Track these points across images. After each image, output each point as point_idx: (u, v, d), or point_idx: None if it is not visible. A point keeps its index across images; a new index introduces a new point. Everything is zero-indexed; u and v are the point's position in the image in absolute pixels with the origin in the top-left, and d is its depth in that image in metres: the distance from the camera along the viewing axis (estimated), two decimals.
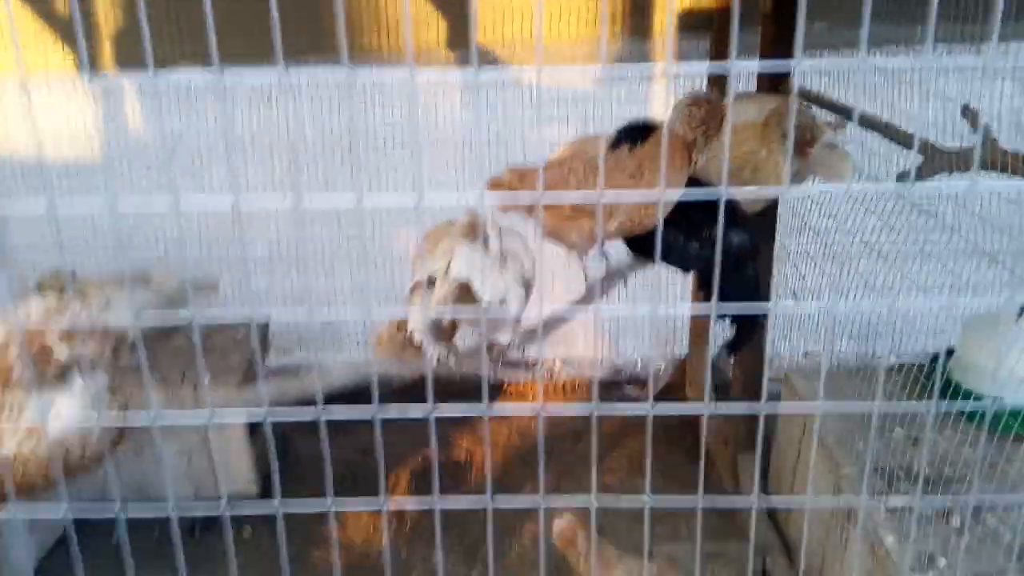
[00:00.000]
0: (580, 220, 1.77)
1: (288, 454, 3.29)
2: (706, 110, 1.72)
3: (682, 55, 3.24)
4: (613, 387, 3.66)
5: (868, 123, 2.18)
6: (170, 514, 1.10)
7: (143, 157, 3.36)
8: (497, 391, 3.60)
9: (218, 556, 2.77)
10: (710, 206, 1.94)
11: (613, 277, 1.89)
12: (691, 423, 3.25)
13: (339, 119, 3.34)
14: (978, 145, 1.89)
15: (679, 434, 3.29)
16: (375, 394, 1.08)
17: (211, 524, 2.88)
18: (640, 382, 3.63)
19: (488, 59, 3.27)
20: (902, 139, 2.01)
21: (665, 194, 1.72)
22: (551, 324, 1.81)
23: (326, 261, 3.51)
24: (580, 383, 3.66)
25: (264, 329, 3.25)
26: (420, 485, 3.10)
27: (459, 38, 3.28)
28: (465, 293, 1.56)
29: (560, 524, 1.75)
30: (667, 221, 1.84)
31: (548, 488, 3.07)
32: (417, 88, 3.29)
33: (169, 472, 2.93)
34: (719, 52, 2.80)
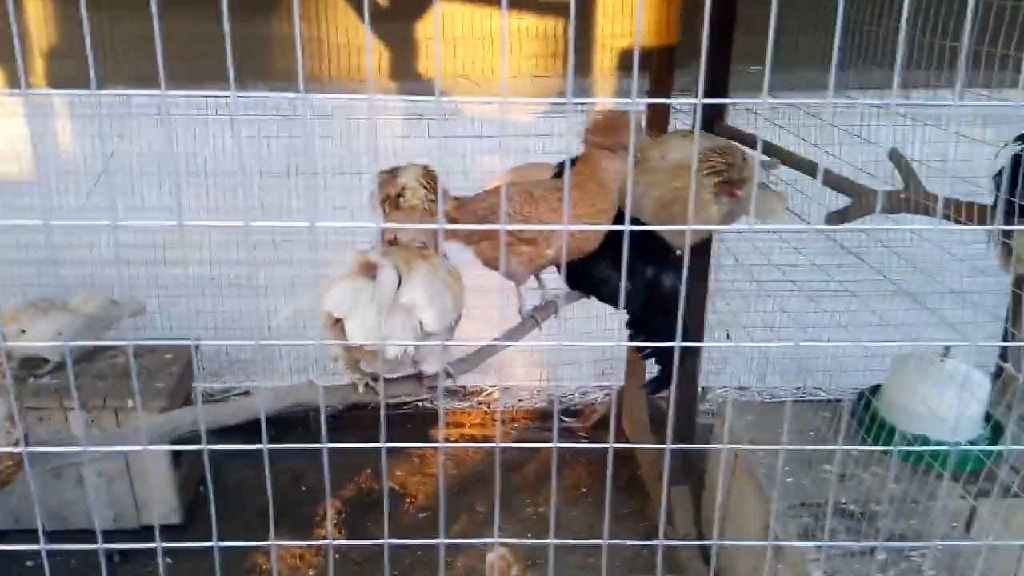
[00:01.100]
0: (518, 247, 1.77)
1: (214, 481, 3.20)
2: (607, 117, 1.75)
3: (621, 92, 3.30)
4: (548, 417, 3.66)
5: (799, 164, 2.24)
6: (98, 547, 1.05)
7: (75, 177, 3.27)
8: (430, 419, 3.57)
9: None
10: (642, 242, 1.97)
11: (548, 307, 1.89)
12: (627, 456, 3.26)
13: (278, 144, 3.30)
14: (904, 188, 1.95)
15: (615, 467, 3.30)
16: (321, 425, 1.05)
17: (130, 553, 2.78)
18: (576, 413, 3.63)
19: (430, 89, 3.28)
20: (832, 181, 2.07)
21: (595, 222, 1.74)
22: (485, 353, 1.80)
23: (260, 285, 3.45)
24: (516, 413, 3.65)
25: (189, 351, 3.16)
26: (352, 514, 3.04)
27: (402, 67, 3.29)
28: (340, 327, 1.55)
29: (492, 557, 1.72)
30: (599, 255, 1.85)
31: (481, 520, 3.04)
32: (357, 115, 3.27)
33: (92, 497, 2.82)
34: (657, 90, 2.85)
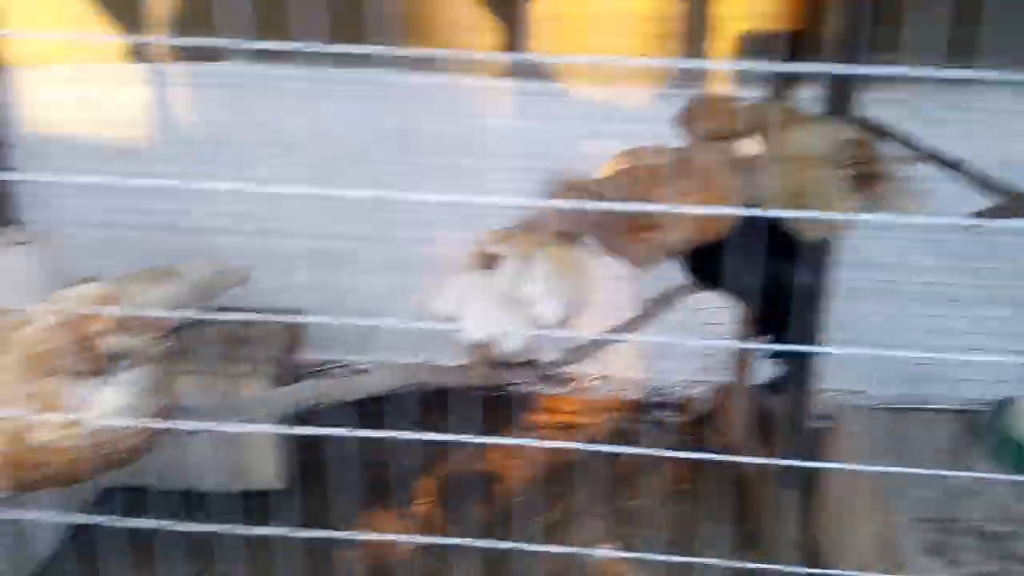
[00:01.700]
0: (640, 233, 1.71)
1: (315, 451, 3.25)
2: (706, 103, 1.68)
3: (741, 79, 3.18)
4: (645, 409, 3.58)
5: (939, 160, 2.10)
6: (217, 529, 1.07)
7: (191, 147, 3.35)
8: (527, 404, 3.54)
9: (227, 546, 2.74)
10: (768, 234, 1.88)
11: (667, 299, 1.83)
12: (731, 452, 3.17)
13: (387, 122, 3.31)
14: None
15: (716, 463, 3.20)
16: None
17: (233, 517, 2.84)
18: (674, 407, 3.55)
19: (540, 69, 3.23)
20: (978, 179, 1.93)
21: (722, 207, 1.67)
22: (601, 343, 1.75)
23: (364, 261, 3.47)
24: (613, 402, 3.58)
25: (298, 324, 3.21)
26: (447, 492, 3.05)
27: (511, 47, 3.25)
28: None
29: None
30: (723, 245, 1.77)
31: (579, 510, 3.00)
32: (466, 93, 3.25)
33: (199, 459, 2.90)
34: (782, 77, 2.73)
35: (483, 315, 1.54)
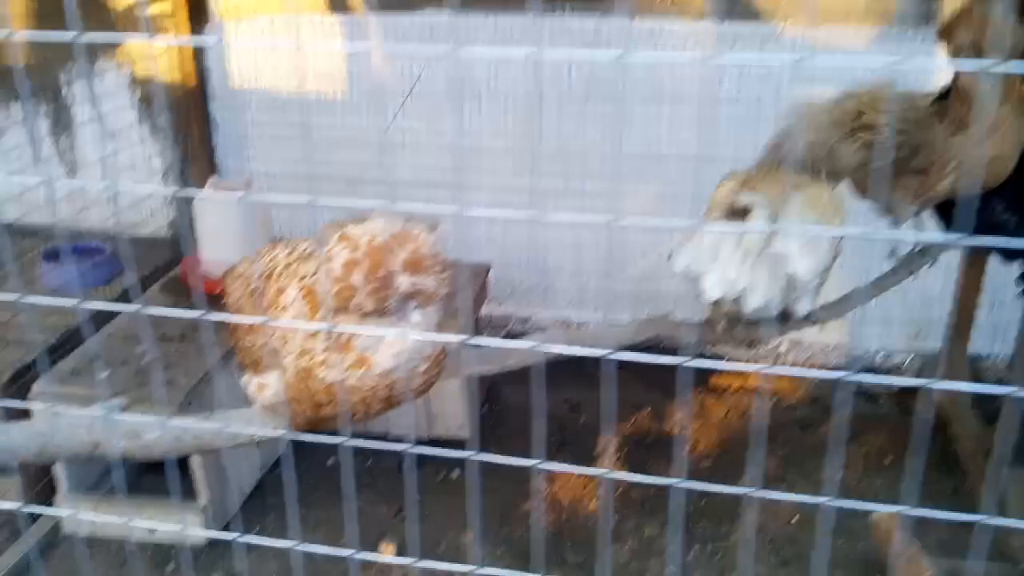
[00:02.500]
0: (904, 179, 1.55)
1: (495, 401, 3.25)
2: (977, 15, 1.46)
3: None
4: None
5: None
6: (406, 449, 1.05)
7: (384, 98, 3.38)
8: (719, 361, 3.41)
9: (420, 491, 2.78)
10: None
11: (925, 255, 1.66)
12: (943, 425, 2.93)
13: (579, 69, 3.21)
14: None
15: (930, 435, 2.98)
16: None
17: (421, 461, 2.88)
18: (879, 373, 3.32)
19: (749, 12, 3.04)
20: None
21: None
22: (853, 300, 1.61)
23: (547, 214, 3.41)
24: (812, 366, 3.40)
25: (485, 274, 3.20)
26: (632, 452, 2.98)
27: None
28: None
29: (880, 514, 1.56)
30: (993, 195, 1.58)
31: (771, 478, 2.86)
32: (665, 41, 3.11)
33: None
34: None
35: (725, 272, 1.43)
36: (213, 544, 2.55)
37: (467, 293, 2.96)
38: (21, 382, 2.54)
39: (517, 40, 3.22)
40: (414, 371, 1.24)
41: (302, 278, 1.28)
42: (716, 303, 1.50)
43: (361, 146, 3.41)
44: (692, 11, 3.10)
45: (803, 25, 2.98)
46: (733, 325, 1.54)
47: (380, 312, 1.22)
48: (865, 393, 3.22)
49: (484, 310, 3.41)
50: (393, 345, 1.23)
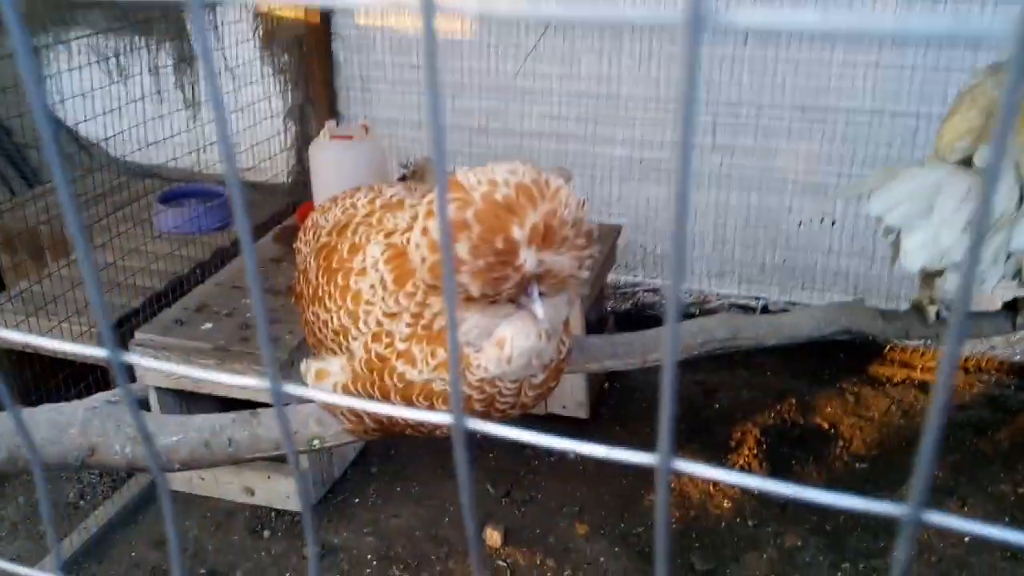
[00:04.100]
0: None
1: (619, 377, 2.96)
2: None
3: None
4: None
5: None
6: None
7: (515, 39, 3.09)
8: (872, 352, 2.99)
9: (531, 471, 2.53)
10: None
11: None
12: None
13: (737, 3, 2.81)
14: None
15: None
16: None
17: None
18: None
19: None
20: None
21: None
22: None
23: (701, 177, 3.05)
24: (986, 362, 2.93)
25: (615, 237, 2.89)
26: (772, 447, 2.63)
27: None
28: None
29: None
30: None
31: (938, 489, 2.46)
32: None
33: None
34: None
35: (937, 234, 1.08)
36: (313, 508, 2.40)
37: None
38: (125, 328, 2.44)
39: None
40: (524, 383, 0.93)
41: (388, 234, 0.97)
42: (924, 277, 1.15)
43: (489, 92, 3.14)
44: None
45: None
46: (933, 310, 1.19)
47: (491, 298, 0.89)
48: None
49: (611, 276, 3.11)
50: (504, 345, 0.91)
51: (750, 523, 2.36)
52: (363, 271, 0.98)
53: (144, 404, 2.36)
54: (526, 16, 0.34)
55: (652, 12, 0.31)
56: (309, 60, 3.27)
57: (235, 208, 0.38)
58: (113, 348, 0.40)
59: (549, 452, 2.61)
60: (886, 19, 0.29)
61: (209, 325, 2.38)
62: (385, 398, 0.94)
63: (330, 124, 2.80)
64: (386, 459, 2.57)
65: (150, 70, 3.36)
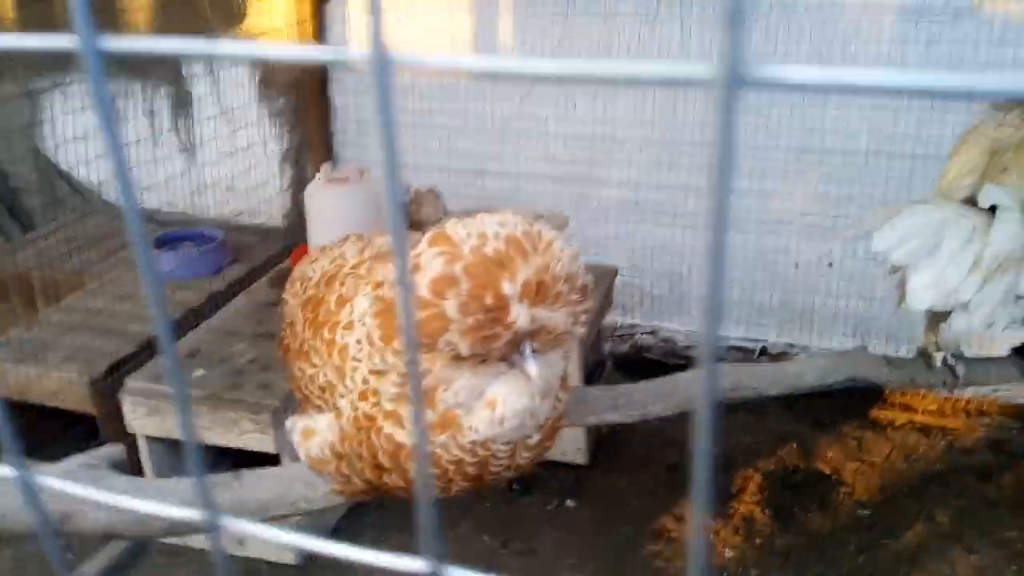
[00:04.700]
0: None
1: (614, 424, 2.92)
2: None
3: None
4: None
5: None
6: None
7: (507, 81, 3.09)
8: (871, 397, 2.96)
9: (529, 520, 2.48)
10: None
11: None
12: None
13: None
14: None
15: None
16: None
17: (530, 489, 2.59)
18: None
19: None
20: None
21: None
22: None
23: (686, 213, 3.04)
24: (988, 404, 2.90)
25: (612, 277, 2.87)
26: (773, 492, 2.58)
27: None
28: None
29: None
30: None
31: (943, 535, 2.41)
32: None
33: None
34: None
35: (945, 273, 1.06)
36: (308, 561, 2.35)
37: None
38: (116, 376, 2.40)
39: (662, 17, 2.86)
40: (519, 444, 0.90)
41: (377, 285, 0.93)
42: (930, 320, 1.13)
43: (485, 135, 3.14)
44: None
45: None
46: (950, 361, 1.17)
47: (482, 357, 0.85)
48: None
49: (608, 319, 3.08)
50: (496, 406, 0.87)
51: (753, 572, 2.31)
52: (350, 325, 0.95)
53: (132, 450, 2.31)
54: (496, 72, 0.32)
55: (677, 67, 0.29)
56: (306, 103, 3.27)
57: (133, 240, 0.36)
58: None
59: (547, 499, 2.57)
60: (938, 78, 0.27)
61: (201, 371, 2.35)
62: (373, 459, 0.91)
63: (326, 167, 2.79)
64: (381, 509, 2.52)
65: (144, 114, 3.36)
